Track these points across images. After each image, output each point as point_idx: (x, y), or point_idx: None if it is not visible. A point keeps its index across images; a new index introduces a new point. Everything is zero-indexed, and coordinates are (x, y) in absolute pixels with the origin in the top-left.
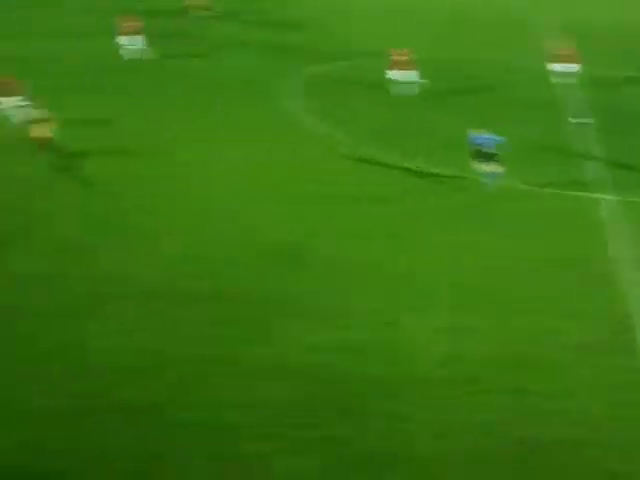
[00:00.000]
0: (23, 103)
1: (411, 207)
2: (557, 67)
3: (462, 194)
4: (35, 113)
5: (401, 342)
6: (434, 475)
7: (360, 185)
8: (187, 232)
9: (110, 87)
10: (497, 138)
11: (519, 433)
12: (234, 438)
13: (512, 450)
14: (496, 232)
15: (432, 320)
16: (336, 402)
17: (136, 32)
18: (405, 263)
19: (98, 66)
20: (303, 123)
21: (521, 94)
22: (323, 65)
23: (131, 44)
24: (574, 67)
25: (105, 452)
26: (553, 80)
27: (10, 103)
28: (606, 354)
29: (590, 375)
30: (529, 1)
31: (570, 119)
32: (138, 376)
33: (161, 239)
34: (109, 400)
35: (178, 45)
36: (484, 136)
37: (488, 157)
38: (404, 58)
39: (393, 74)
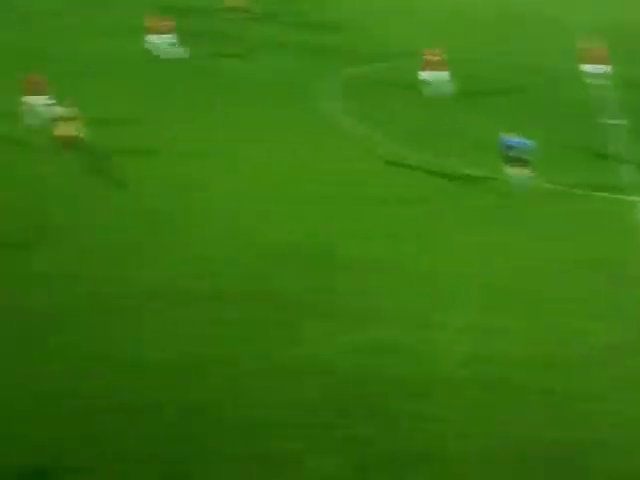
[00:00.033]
0: (50, 102)
1: (442, 208)
2: (589, 68)
3: (493, 195)
4: (62, 112)
5: (430, 343)
6: (459, 475)
7: (393, 186)
8: (220, 232)
9: (139, 86)
10: (527, 142)
11: (547, 435)
12: (265, 437)
13: (539, 452)
14: (527, 233)
15: (461, 321)
16: (365, 402)
17: (168, 31)
18: (436, 264)
19: (129, 65)
20: (340, 124)
21: (553, 95)
22: (360, 66)
23: (163, 43)
24: (605, 68)
25: (140, 452)
26: (585, 81)
27: (37, 102)
28: (635, 355)
29: (619, 376)
30: (562, 1)
31: (603, 120)
32: (171, 377)
33: (196, 240)
34: (142, 400)
35: (213, 45)
36: (515, 139)
37: (519, 161)
38: (436, 58)
39: (425, 75)
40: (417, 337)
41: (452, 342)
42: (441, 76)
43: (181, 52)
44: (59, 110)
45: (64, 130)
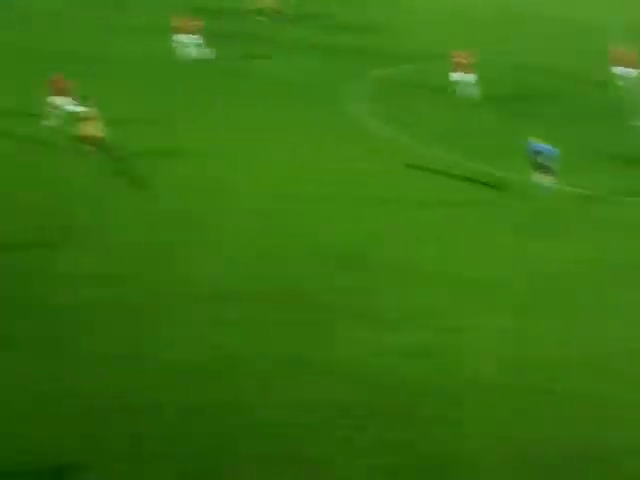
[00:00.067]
0: (74, 102)
1: (475, 212)
2: (619, 70)
3: (527, 200)
4: (86, 112)
5: (463, 347)
6: None
7: (423, 189)
8: (249, 234)
9: (166, 86)
10: (553, 150)
11: (580, 440)
12: (296, 439)
13: (573, 456)
14: (557, 238)
15: (495, 325)
16: (398, 406)
17: (196, 32)
18: (469, 267)
19: (155, 65)
20: (367, 126)
21: (584, 99)
22: (388, 68)
23: (190, 43)
24: (635, 72)
25: (171, 451)
26: (617, 84)
27: (62, 102)
28: None
29: None
30: (594, 4)
31: (635, 123)
32: (202, 377)
33: (224, 241)
34: (173, 400)
35: (241, 46)
36: (542, 145)
37: (545, 168)
38: (465, 61)
39: (456, 76)
40: (449, 341)
41: (484, 347)
42: (468, 78)
43: (208, 53)
44: (84, 110)
45: (89, 131)
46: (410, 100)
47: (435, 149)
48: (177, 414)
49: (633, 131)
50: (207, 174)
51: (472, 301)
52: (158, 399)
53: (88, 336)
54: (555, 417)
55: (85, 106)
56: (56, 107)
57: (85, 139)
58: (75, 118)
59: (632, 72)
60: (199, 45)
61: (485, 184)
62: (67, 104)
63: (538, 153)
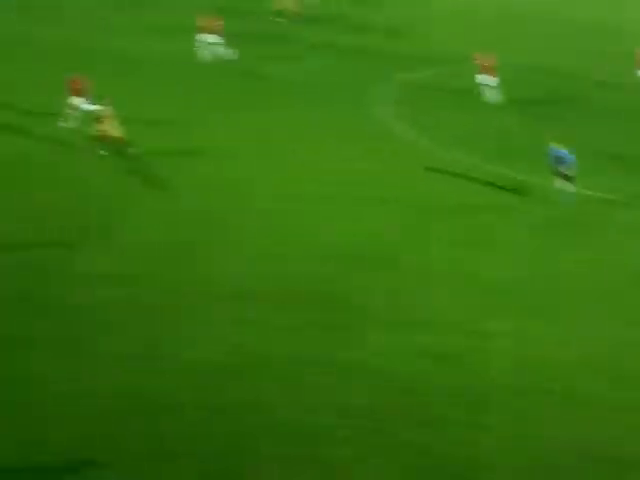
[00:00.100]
0: (94, 102)
1: (497, 216)
2: None
3: (548, 204)
4: (103, 111)
5: (481, 351)
6: None
7: (446, 193)
8: (270, 234)
9: (187, 86)
10: (571, 156)
11: (606, 445)
12: (315, 440)
13: (598, 462)
14: (576, 242)
15: (519, 329)
16: (416, 409)
17: (218, 32)
18: (490, 271)
19: (177, 65)
20: (391, 129)
21: (607, 103)
22: (413, 71)
23: (213, 43)
24: None
25: (194, 450)
26: None
27: (81, 102)
28: None
29: None
30: (625, 9)
31: None
32: (225, 377)
33: (244, 240)
34: (193, 400)
35: (262, 47)
36: (563, 151)
37: (565, 175)
38: (487, 64)
39: (482, 78)
40: (470, 345)
41: (503, 349)
42: (491, 81)
43: (231, 53)
44: (103, 110)
45: (107, 130)
46: (434, 103)
47: (457, 153)
48: (196, 413)
49: None
50: (228, 174)
51: (491, 305)
52: (176, 399)
53: (107, 336)
54: (577, 420)
55: (101, 105)
56: (74, 108)
57: (103, 139)
58: (92, 118)
59: None
60: (222, 45)
61: (506, 188)
62: (84, 104)
63: (559, 160)
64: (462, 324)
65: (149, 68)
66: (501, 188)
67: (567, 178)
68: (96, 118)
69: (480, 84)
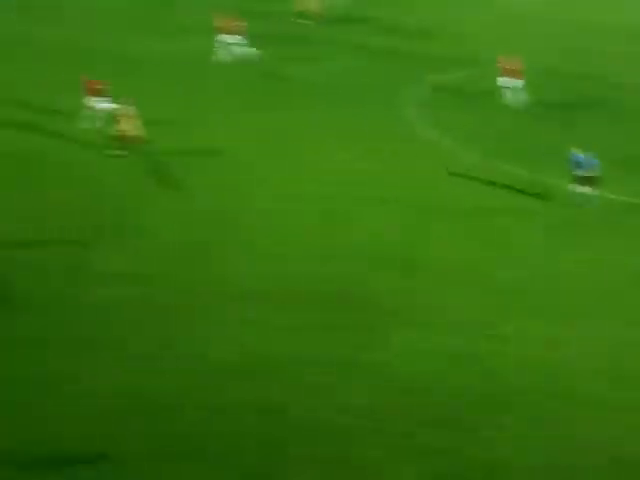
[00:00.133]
0: (110, 102)
1: (515, 219)
2: None
3: (570, 208)
4: (124, 110)
5: (506, 354)
6: None
7: (470, 196)
8: (285, 233)
9: (207, 87)
10: (593, 160)
11: (619, 447)
12: (345, 442)
13: (626, 464)
14: (598, 246)
15: (540, 332)
16: (444, 411)
17: (239, 32)
18: (513, 275)
19: (197, 65)
20: (415, 131)
21: (632, 107)
22: (440, 73)
23: (234, 44)
24: None
25: (220, 451)
26: None
27: (98, 101)
28: None
29: None
30: None
31: None
32: (251, 378)
33: (259, 241)
34: (220, 400)
35: (284, 48)
36: (584, 156)
37: (586, 180)
38: (511, 66)
39: (504, 81)
40: (491, 348)
41: (528, 352)
42: (516, 84)
43: (253, 53)
44: (119, 110)
45: (125, 130)
46: (460, 106)
47: (482, 156)
48: (224, 414)
49: None
50: (245, 175)
51: (514, 308)
52: (203, 400)
53: (121, 335)
54: (601, 423)
55: (122, 104)
56: (92, 106)
57: (123, 138)
58: (112, 117)
59: None
60: (244, 46)
61: (529, 191)
62: (103, 103)
63: (580, 165)
64: (478, 325)
65: (168, 68)
66: (520, 191)
67: (588, 181)
68: (117, 117)
69: (502, 87)
